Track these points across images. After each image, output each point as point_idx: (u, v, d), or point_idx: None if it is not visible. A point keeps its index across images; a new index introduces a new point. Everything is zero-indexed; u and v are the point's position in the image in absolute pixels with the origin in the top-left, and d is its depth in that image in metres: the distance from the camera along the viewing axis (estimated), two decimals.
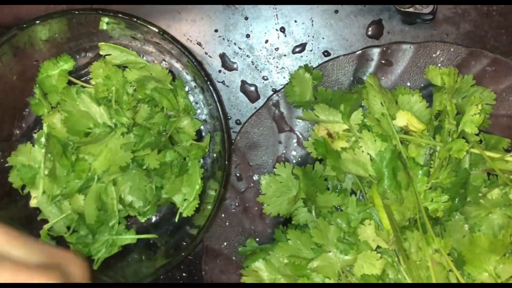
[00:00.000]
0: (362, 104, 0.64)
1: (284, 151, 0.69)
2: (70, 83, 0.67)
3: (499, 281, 0.58)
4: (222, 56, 0.72)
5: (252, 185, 0.68)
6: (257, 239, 0.67)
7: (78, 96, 0.64)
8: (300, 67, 0.66)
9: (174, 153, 0.64)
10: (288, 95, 0.67)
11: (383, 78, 0.67)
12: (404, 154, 0.61)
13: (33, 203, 0.66)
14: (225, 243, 0.67)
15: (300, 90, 0.66)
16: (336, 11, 0.71)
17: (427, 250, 0.59)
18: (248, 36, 0.72)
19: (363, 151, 0.60)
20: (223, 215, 0.68)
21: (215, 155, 0.68)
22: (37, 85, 0.66)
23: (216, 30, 0.72)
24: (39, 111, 0.66)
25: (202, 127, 0.69)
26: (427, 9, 0.66)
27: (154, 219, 0.70)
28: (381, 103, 0.61)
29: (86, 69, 0.69)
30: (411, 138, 0.62)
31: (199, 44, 0.72)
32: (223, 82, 0.72)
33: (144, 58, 0.69)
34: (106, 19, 0.65)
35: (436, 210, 0.60)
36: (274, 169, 0.65)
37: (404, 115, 0.61)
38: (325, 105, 0.63)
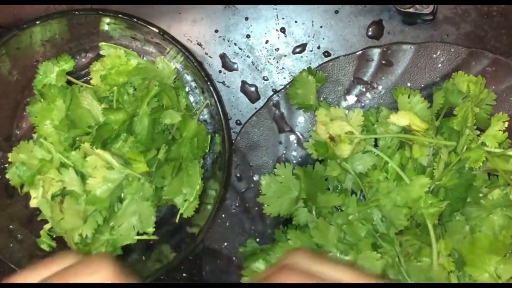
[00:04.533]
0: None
1: (284, 152, 0.68)
2: (69, 83, 0.67)
3: (499, 282, 0.58)
4: (223, 57, 0.72)
5: (252, 185, 0.68)
6: (258, 240, 0.67)
7: (81, 95, 0.64)
8: (303, 70, 0.66)
9: (175, 152, 0.64)
10: (291, 97, 0.67)
11: (383, 78, 0.67)
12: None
13: (33, 203, 0.65)
14: (225, 244, 0.67)
15: (303, 93, 0.66)
16: (337, 12, 0.71)
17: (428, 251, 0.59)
18: (248, 36, 0.72)
19: None
20: (223, 215, 0.68)
21: (215, 155, 0.68)
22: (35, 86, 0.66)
23: (216, 31, 0.72)
24: (38, 112, 0.66)
25: None
26: (427, 9, 0.66)
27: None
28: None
29: (86, 69, 0.69)
30: (416, 137, 0.61)
31: (200, 44, 0.72)
32: (223, 83, 0.72)
33: (145, 58, 0.69)
34: (106, 20, 0.65)
35: (433, 215, 0.60)
36: (275, 170, 0.65)
37: (406, 114, 0.61)
38: (327, 105, 0.63)
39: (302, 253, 0.42)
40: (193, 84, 0.70)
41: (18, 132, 0.69)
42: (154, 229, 0.65)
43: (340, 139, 0.62)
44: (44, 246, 0.66)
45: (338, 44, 0.72)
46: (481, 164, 0.60)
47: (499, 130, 0.60)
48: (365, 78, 0.67)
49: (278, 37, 0.72)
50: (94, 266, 0.40)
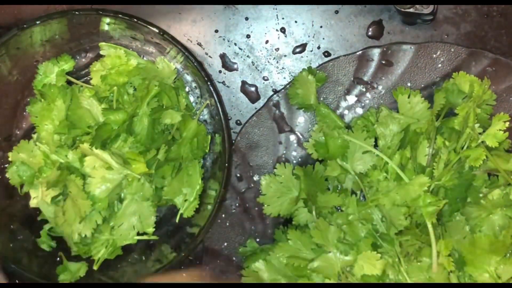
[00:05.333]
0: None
1: (284, 152, 0.69)
2: (69, 83, 0.67)
3: (499, 282, 0.58)
4: (223, 57, 0.72)
5: (252, 185, 0.68)
6: (258, 240, 0.67)
7: (81, 95, 0.64)
8: (303, 69, 0.66)
9: (175, 152, 0.64)
10: (291, 97, 0.67)
11: (383, 78, 0.67)
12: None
13: (33, 203, 0.65)
14: (225, 244, 0.67)
15: (303, 93, 0.66)
16: (337, 12, 0.71)
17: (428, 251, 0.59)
18: (248, 36, 0.72)
19: None
20: (223, 215, 0.68)
21: (215, 155, 0.68)
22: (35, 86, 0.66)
23: (216, 31, 0.72)
24: (38, 112, 0.66)
25: None
26: (427, 9, 0.66)
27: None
28: None
29: (86, 69, 0.69)
30: None
31: (200, 44, 0.72)
32: (223, 83, 0.72)
33: (145, 58, 0.69)
34: (106, 20, 0.65)
35: (431, 213, 0.59)
36: (275, 170, 0.65)
37: None
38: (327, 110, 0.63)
39: None
40: (193, 84, 0.70)
41: (18, 132, 0.69)
42: (154, 229, 0.65)
43: None
44: (44, 246, 0.66)
45: (338, 44, 0.71)
46: (481, 164, 0.61)
47: (500, 130, 0.60)
48: (365, 78, 0.67)
49: (278, 37, 0.72)
50: None
